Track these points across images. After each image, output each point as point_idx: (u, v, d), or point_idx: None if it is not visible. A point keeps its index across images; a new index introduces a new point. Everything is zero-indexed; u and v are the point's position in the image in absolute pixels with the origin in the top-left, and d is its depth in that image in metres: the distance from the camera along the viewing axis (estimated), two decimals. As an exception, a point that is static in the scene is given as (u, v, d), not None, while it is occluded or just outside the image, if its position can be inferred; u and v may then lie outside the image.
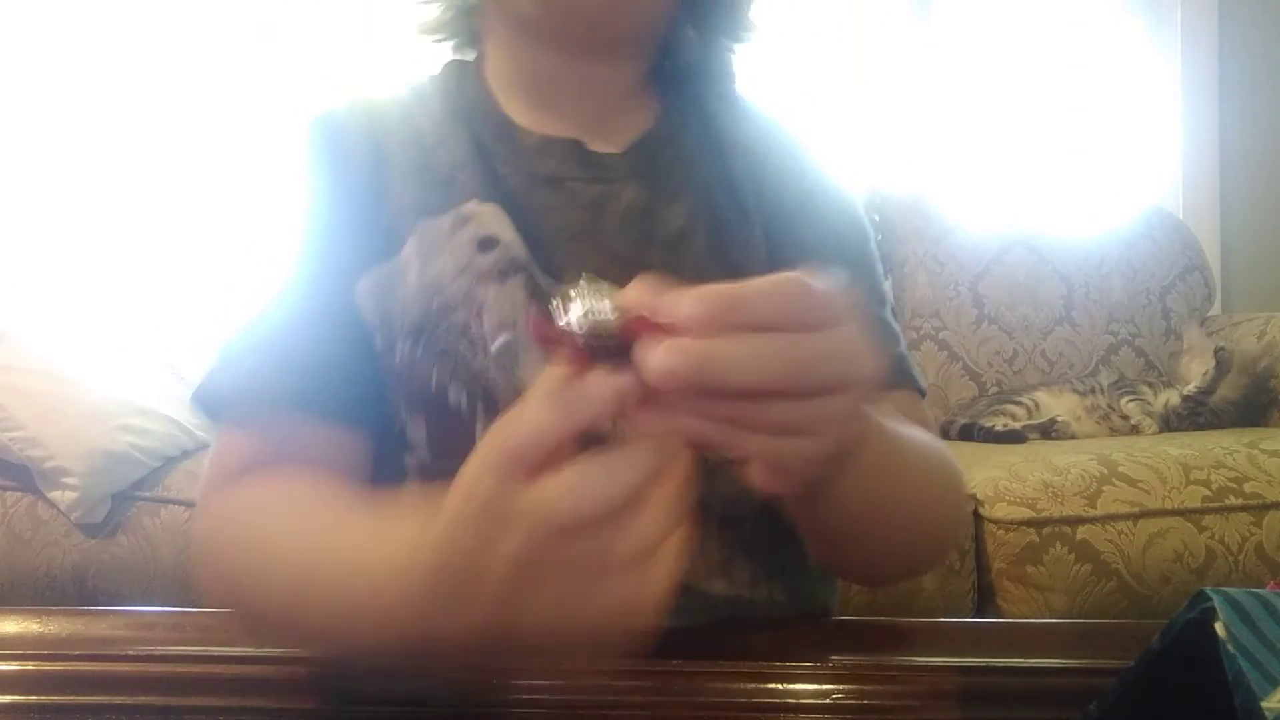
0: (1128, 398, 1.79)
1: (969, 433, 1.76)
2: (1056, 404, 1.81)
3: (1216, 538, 1.25)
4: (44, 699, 0.49)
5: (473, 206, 0.57)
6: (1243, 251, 2.51)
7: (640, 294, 0.32)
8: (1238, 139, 2.51)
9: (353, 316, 0.57)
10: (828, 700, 0.48)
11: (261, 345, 0.56)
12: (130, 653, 0.51)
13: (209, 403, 0.55)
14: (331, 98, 0.63)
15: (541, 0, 0.55)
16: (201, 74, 2.25)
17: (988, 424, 1.74)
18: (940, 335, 2.00)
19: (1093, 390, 1.83)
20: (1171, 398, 1.77)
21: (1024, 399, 1.83)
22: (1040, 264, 2.05)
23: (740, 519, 0.58)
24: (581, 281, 0.32)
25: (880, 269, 0.65)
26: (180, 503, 1.31)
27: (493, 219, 0.56)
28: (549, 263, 0.56)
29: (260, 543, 0.49)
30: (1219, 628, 0.33)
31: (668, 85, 0.65)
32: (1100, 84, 2.54)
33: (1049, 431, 1.72)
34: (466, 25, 0.65)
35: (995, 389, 1.95)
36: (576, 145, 0.61)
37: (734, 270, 0.56)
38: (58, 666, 0.51)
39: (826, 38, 2.45)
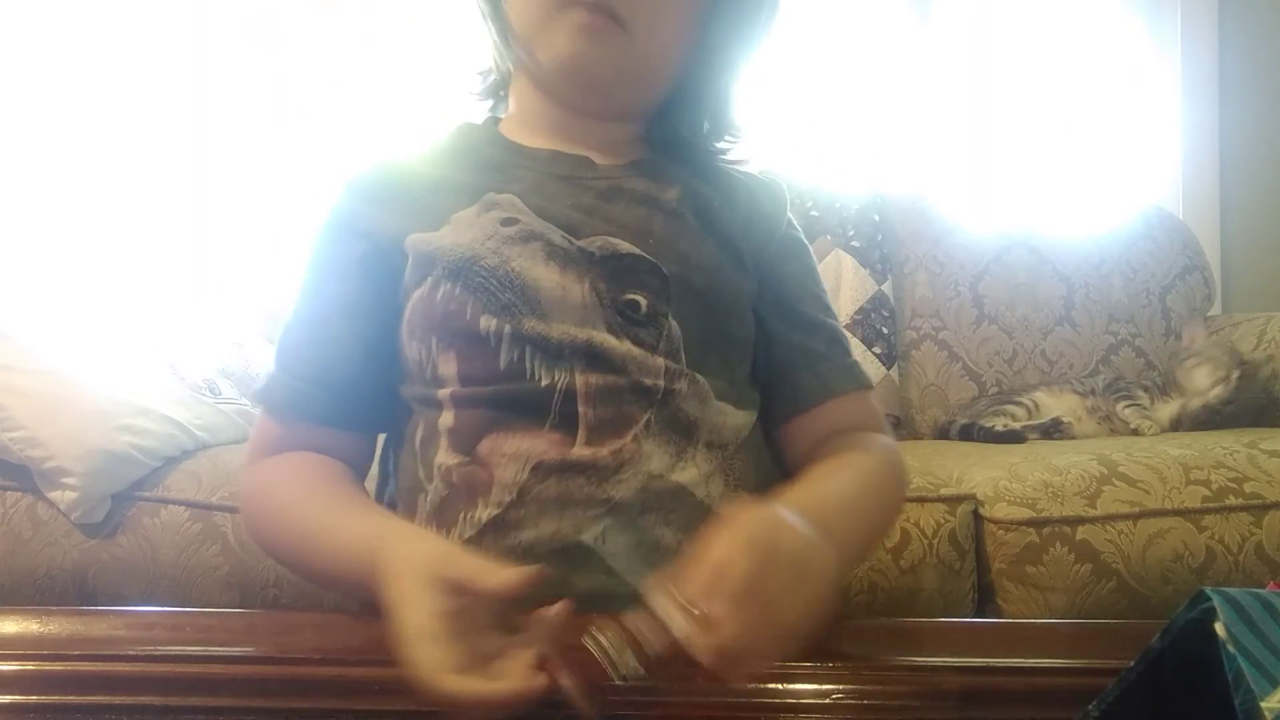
0: (1124, 403, 1.78)
1: (969, 433, 1.75)
2: (1057, 404, 1.81)
3: (1216, 538, 1.25)
4: (44, 699, 0.49)
5: (493, 196, 0.70)
6: (1243, 251, 2.51)
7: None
8: (1238, 139, 2.51)
9: (364, 341, 0.71)
10: (828, 700, 0.48)
11: (288, 358, 0.73)
12: (130, 653, 0.52)
13: (258, 393, 0.73)
14: (360, 159, 0.77)
15: (558, 72, 0.72)
16: (205, 77, 2.25)
17: (988, 424, 1.73)
18: (940, 335, 2.00)
19: (1092, 391, 1.83)
20: (1190, 402, 1.76)
21: (1024, 399, 1.82)
22: (1040, 264, 2.05)
23: (723, 444, 0.71)
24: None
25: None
26: (180, 503, 1.31)
27: (510, 205, 0.70)
28: (567, 231, 0.69)
29: (278, 513, 0.69)
30: (1219, 628, 0.33)
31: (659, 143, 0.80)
32: (1100, 84, 2.54)
33: (1049, 432, 1.72)
34: (501, 85, 0.82)
35: (995, 389, 1.95)
36: (585, 159, 0.75)
37: (720, 237, 0.74)
38: (58, 666, 0.51)
39: (826, 38, 2.45)
